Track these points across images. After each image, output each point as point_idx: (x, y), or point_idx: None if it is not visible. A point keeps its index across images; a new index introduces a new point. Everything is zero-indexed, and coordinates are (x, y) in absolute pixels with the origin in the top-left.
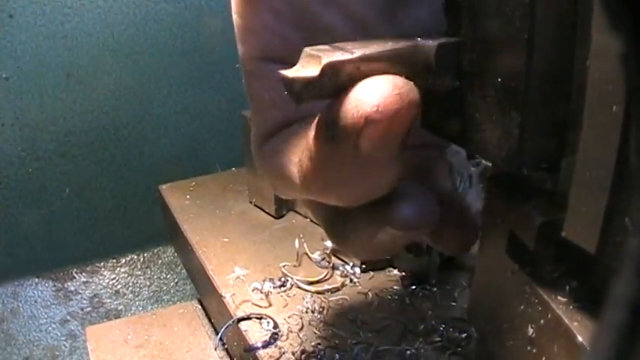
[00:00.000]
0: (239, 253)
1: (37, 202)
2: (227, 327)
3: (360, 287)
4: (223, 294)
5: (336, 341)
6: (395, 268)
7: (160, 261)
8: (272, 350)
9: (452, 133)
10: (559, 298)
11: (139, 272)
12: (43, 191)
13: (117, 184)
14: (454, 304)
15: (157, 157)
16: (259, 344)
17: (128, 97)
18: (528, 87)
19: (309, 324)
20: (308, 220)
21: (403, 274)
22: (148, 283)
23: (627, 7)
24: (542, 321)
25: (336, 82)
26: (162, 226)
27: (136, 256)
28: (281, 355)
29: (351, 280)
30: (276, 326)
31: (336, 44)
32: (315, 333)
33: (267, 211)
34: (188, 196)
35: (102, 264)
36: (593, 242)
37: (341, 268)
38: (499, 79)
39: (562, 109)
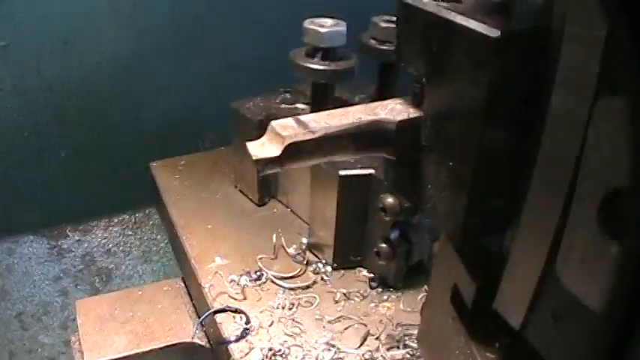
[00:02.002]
0: (220, 242)
1: (34, 164)
2: (204, 318)
3: (329, 286)
4: (203, 284)
5: (303, 340)
6: (365, 268)
7: (150, 222)
8: (242, 345)
9: (412, 196)
10: (487, 354)
11: (130, 232)
12: (40, 154)
13: (112, 148)
14: (416, 310)
15: (153, 123)
16: (232, 338)
17: (125, 63)
18: (476, 176)
19: (279, 321)
20: (289, 210)
21: (372, 275)
22: (138, 243)
23: None
24: None
25: (298, 159)
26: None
27: (127, 217)
28: (250, 351)
29: (322, 279)
30: (248, 321)
31: (301, 118)
32: (283, 330)
33: (250, 197)
34: (177, 176)
35: (95, 223)
36: (518, 319)
37: (314, 265)
38: (450, 163)
39: (506, 194)
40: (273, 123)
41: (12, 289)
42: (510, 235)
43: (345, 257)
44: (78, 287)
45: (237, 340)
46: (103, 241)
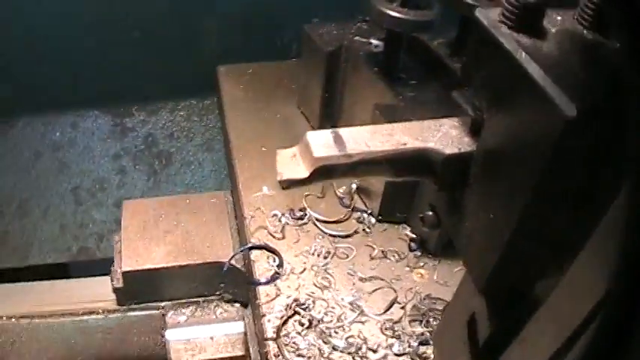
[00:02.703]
0: (271, 170)
1: (106, 40)
2: (239, 252)
3: (369, 239)
4: (245, 214)
5: (330, 295)
6: (409, 226)
7: (217, 111)
8: (270, 289)
9: (446, 226)
10: None
11: (196, 118)
12: (113, 31)
13: (187, 31)
14: (448, 286)
15: (234, 11)
16: (262, 279)
17: None
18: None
19: (311, 269)
20: None
21: (414, 236)
22: (202, 130)
23: None
24: None
25: (327, 178)
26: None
27: (195, 102)
28: (276, 297)
29: (364, 230)
30: (280, 265)
31: (340, 133)
32: (313, 281)
33: (310, 123)
34: (241, 86)
35: (161, 105)
36: None
37: (359, 213)
38: (491, 215)
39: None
40: (309, 136)
41: (71, 163)
42: (544, 283)
43: (392, 211)
44: (137, 167)
45: (266, 283)
46: (168, 124)
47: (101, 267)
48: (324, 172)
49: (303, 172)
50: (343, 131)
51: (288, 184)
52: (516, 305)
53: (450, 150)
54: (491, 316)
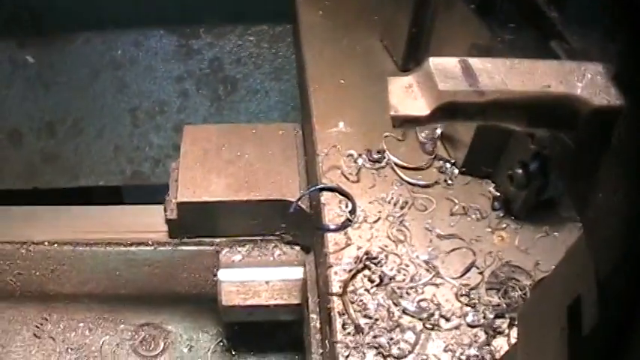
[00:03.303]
0: (349, 105)
1: None
2: (309, 193)
3: (451, 192)
4: (318, 151)
5: (404, 250)
6: (494, 183)
7: (289, 39)
8: (339, 238)
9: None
10: None
11: (266, 45)
12: None
13: None
14: (529, 254)
15: None
16: (331, 226)
17: None
18: None
19: (387, 219)
20: None
21: (498, 194)
22: (272, 58)
23: None
24: None
25: (449, 119)
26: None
27: (266, 28)
28: (345, 247)
29: (446, 181)
30: (353, 211)
31: (472, 62)
32: (387, 232)
33: (394, 57)
34: (321, 12)
35: (230, 29)
36: None
37: (441, 162)
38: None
39: None
40: (432, 63)
41: (131, 83)
42: None
43: (477, 164)
44: (200, 91)
45: (336, 230)
46: (236, 49)
47: (155, 194)
48: (450, 111)
49: (424, 108)
50: (474, 61)
51: (403, 122)
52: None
53: (598, 101)
54: (604, 307)
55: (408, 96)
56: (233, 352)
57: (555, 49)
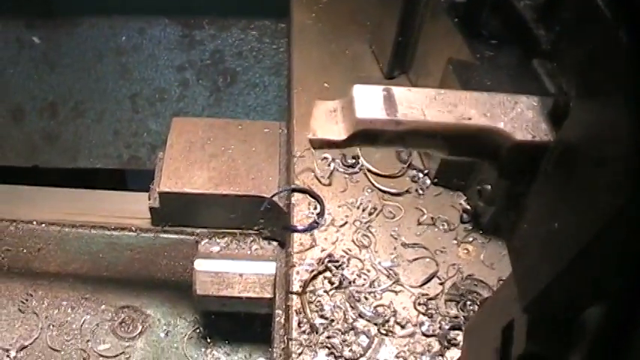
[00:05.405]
0: None
1: None
2: (279, 193)
3: (421, 202)
4: (294, 152)
5: (367, 255)
6: (465, 196)
7: None
8: (305, 238)
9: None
10: None
11: (268, 40)
12: None
13: None
14: (494, 269)
15: None
16: (298, 227)
17: None
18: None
19: (353, 223)
20: None
21: (468, 207)
22: (272, 53)
23: None
24: None
25: (368, 144)
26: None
27: (269, 23)
28: (310, 247)
29: (417, 190)
30: (321, 214)
31: (393, 92)
32: (352, 237)
33: (380, 65)
34: (314, 15)
35: (233, 22)
36: None
37: (415, 171)
38: (556, 225)
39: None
40: (356, 91)
41: (133, 69)
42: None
43: (450, 175)
44: (200, 82)
45: (303, 231)
46: (238, 42)
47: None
48: (365, 137)
49: (340, 133)
50: (398, 91)
51: (320, 145)
52: (560, 330)
53: (521, 136)
54: (530, 335)
55: (330, 120)
56: (208, 340)
57: (537, 68)
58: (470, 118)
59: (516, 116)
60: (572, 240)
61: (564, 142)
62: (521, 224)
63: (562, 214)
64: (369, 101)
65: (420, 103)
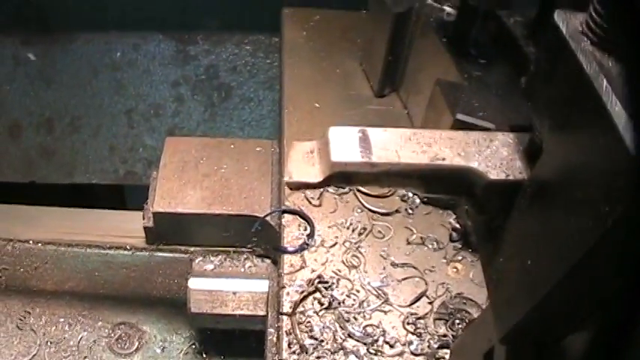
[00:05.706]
0: (320, 128)
1: None
2: (270, 214)
3: (410, 221)
4: (285, 172)
5: (356, 276)
6: (454, 214)
7: None
8: (295, 260)
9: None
10: None
11: (262, 54)
12: None
13: None
14: (483, 287)
15: None
16: (289, 248)
17: None
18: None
19: (343, 244)
20: (405, 112)
21: (457, 226)
22: (266, 68)
23: None
24: None
25: (345, 184)
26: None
27: (263, 38)
28: (299, 269)
29: (406, 210)
30: (311, 235)
31: (368, 134)
32: (342, 258)
33: (371, 83)
34: (305, 33)
35: (227, 37)
36: None
37: (404, 191)
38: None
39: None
40: (331, 133)
41: (128, 85)
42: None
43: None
44: (195, 97)
45: (293, 252)
46: (232, 57)
47: None
48: (341, 178)
49: (316, 176)
50: (373, 132)
51: (297, 187)
52: (540, 357)
53: (495, 175)
54: None
55: (307, 161)
56: (204, 355)
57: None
58: (444, 159)
59: (491, 154)
60: (546, 275)
61: (538, 180)
62: (497, 258)
63: (536, 249)
64: (345, 143)
65: (395, 144)
